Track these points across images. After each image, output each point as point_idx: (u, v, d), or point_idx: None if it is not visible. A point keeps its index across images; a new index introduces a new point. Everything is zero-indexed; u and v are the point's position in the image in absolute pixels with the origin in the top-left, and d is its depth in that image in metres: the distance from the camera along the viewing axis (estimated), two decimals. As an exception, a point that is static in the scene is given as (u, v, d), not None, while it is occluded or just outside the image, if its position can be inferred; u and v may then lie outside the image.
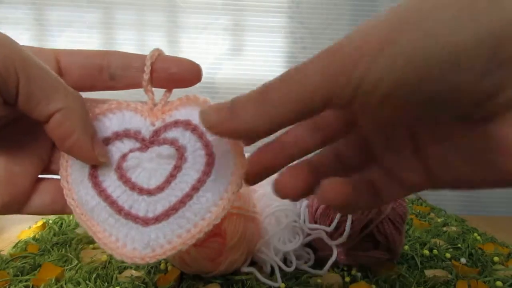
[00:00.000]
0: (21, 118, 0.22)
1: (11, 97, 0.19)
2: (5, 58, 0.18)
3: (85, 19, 1.03)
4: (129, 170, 0.23)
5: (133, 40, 1.06)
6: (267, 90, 0.18)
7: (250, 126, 0.18)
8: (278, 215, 0.45)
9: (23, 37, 1.01)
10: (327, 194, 0.20)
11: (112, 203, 0.23)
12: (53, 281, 0.41)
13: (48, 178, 0.25)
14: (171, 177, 0.23)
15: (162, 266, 0.44)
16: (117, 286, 0.40)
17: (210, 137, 0.23)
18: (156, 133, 0.24)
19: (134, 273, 0.42)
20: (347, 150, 0.23)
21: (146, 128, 0.24)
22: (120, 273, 0.43)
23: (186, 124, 0.23)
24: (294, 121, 0.18)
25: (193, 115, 0.23)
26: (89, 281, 0.41)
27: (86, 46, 1.06)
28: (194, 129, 0.23)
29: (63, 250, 0.50)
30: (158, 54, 0.24)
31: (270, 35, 1.03)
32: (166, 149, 0.23)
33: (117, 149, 0.24)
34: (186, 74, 0.24)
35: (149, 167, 0.23)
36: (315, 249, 0.47)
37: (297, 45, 1.03)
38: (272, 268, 0.43)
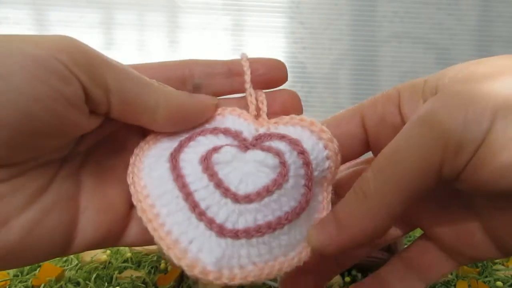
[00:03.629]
0: (110, 136, 0.20)
1: (100, 104, 0.17)
2: (88, 59, 0.17)
3: (85, 19, 1.03)
4: (218, 164, 0.19)
5: (133, 40, 1.06)
6: (363, 189, 0.17)
7: (358, 235, 0.17)
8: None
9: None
10: None
11: (188, 194, 0.18)
12: (53, 281, 0.41)
13: None
14: (267, 191, 0.18)
15: (162, 266, 0.44)
16: (117, 286, 0.40)
17: (315, 171, 0.20)
18: (260, 137, 0.21)
19: (134, 273, 0.42)
20: None
21: (249, 131, 0.22)
22: (120, 273, 0.42)
23: (294, 144, 0.20)
24: (403, 210, 0.17)
25: (302, 137, 0.20)
26: (89, 281, 0.41)
27: (86, 46, 1.06)
28: (301, 152, 0.20)
29: (63, 250, 0.50)
30: (246, 58, 0.23)
31: (270, 35, 1.03)
32: (270, 158, 0.19)
33: (209, 141, 0.21)
34: (274, 74, 0.23)
35: (243, 169, 0.19)
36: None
37: (297, 45, 1.03)
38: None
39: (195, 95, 0.21)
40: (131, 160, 0.21)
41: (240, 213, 0.18)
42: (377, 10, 1.05)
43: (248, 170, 0.19)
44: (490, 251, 0.20)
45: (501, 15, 1.05)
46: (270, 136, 0.21)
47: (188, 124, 0.21)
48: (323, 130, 0.20)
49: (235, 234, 0.18)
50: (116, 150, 0.21)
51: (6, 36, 0.16)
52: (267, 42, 1.02)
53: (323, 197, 0.21)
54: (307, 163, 0.20)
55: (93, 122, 0.18)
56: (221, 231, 0.18)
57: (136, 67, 0.21)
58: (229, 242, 0.18)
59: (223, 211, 0.18)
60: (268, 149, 0.20)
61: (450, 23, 1.06)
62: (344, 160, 0.22)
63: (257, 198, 0.18)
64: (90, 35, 1.03)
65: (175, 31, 1.06)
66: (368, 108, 0.22)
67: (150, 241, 0.19)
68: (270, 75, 0.23)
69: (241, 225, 0.18)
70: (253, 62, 0.23)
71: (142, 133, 0.22)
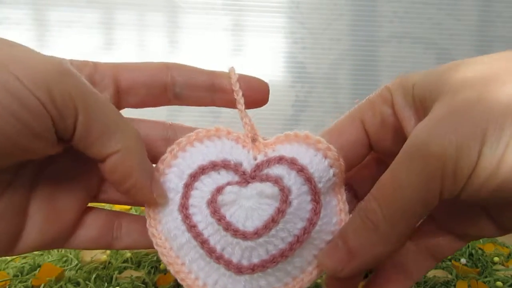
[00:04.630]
0: (66, 150, 0.20)
1: (67, 133, 0.18)
2: (65, 92, 0.17)
3: (85, 19, 1.03)
4: (224, 206, 0.20)
5: (133, 40, 1.06)
6: (371, 220, 0.18)
7: (369, 260, 0.18)
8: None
9: (23, 37, 1.01)
10: None
11: (203, 242, 0.20)
12: (53, 281, 0.41)
13: (95, 211, 0.23)
14: (272, 222, 0.19)
15: (162, 266, 0.44)
16: (117, 286, 0.40)
17: (319, 183, 0.20)
18: (258, 167, 0.21)
19: (134, 273, 0.42)
20: None
21: (248, 162, 0.22)
22: (120, 273, 0.42)
23: (292, 163, 0.20)
24: (410, 232, 0.18)
25: (302, 154, 0.21)
26: (89, 281, 0.41)
27: (86, 46, 1.06)
28: (300, 170, 0.20)
29: (63, 250, 0.49)
30: (233, 73, 0.23)
31: (270, 35, 1.03)
32: (268, 188, 0.20)
33: (213, 180, 0.21)
34: (256, 97, 0.23)
35: (246, 206, 0.20)
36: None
37: (297, 45, 1.03)
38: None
39: (155, 179, 0.21)
40: (146, 210, 0.22)
41: (252, 249, 0.19)
42: (377, 10, 1.05)
43: (251, 205, 0.20)
44: (493, 231, 0.21)
45: (501, 15, 1.05)
46: (268, 162, 0.21)
47: (127, 192, 0.20)
48: (319, 141, 0.21)
49: (252, 270, 0.19)
50: (72, 160, 0.22)
51: None
52: (267, 42, 1.02)
53: (338, 200, 0.21)
54: (308, 179, 0.20)
55: (59, 147, 0.19)
56: (238, 270, 0.19)
57: (122, 65, 0.21)
58: (247, 277, 0.19)
59: (237, 251, 0.19)
60: (267, 178, 0.20)
61: (450, 23, 1.06)
62: (351, 166, 0.23)
63: (265, 231, 0.19)
64: (90, 35, 1.03)
65: (175, 31, 1.06)
66: (367, 112, 0.22)
67: (98, 246, 0.21)
68: (252, 96, 0.23)
69: (255, 259, 0.19)
70: (237, 79, 0.23)
71: None
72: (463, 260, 0.48)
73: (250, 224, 0.19)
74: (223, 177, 0.21)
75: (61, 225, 0.21)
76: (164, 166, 0.22)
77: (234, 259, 0.19)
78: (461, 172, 0.16)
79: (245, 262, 0.19)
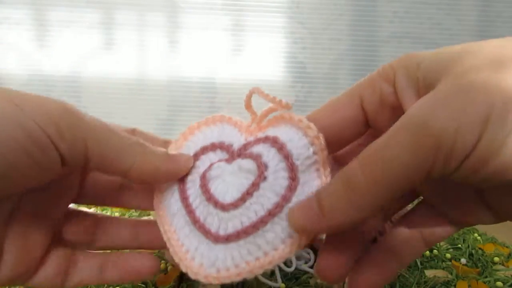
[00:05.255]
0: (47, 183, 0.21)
1: (78, 162, 0.19)
2: (72, 125, 0.19)
3: (85, 19, 1.03)
4: (211, 180, 0.22)
5: (133, 40, 1.06)
6: (350, 181, 0.17)
7: (340, 223, 0.17)
8: (278, 215, 0.45)
9: (23, 37, 1.01)
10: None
11: (190, 212, 0.22)
12: (53, 281, 0.40)
13: (53, 251, 0.23)
14: (247, 194, 0.21)
15: (162, 266, 0.44)
16: (117, 286, 0.40)
17: (297, 160, 0.21)
18: (245, 146, 0.23)
19: (134, 273, 0.42)
20: None
21: (239, 142, 0.24)
22: (120, 273, 0.42)
23: (274, 141, 0.22)
24: (391, 202, 0.17)
25: (285, 133, 0.22)
26: (89, 281, 0.41)
27: (86, 46, 1.07)
28: (280, 148, 0.21)
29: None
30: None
31: (270, 35, 1.03)
32: (247, 163, 0.22)
33: (209, 159, 0.23)
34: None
35: (228, 180, 0.22)
36: (315, 249, 0.46)
37: (297, 45, 1.03)
38: (272, 268, 0.43)
39: (172, 156, 0.23)
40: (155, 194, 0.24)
41: (228, 220, 0.21)
42: (377, 10, 1.05)
43: (231, 180, 0.22)
44: (488, 218, 0.21)
45: (501, 15, 1.05)
46: (255, 142, 0.23)
47: (161, 182, 0.23)
48: (300, 120, 0.22)
49: (226, 239, 0.20)
50: (44, 198, 0.22)
51: (4, 98, 0.17)
52: (267, 42, 1.03)
53: (321, 181, 0.21)
54: (286, 156, 0.21)
55: (64, 173, 0.20)
56: (215, 239, 0.21)
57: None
58: (222, 246, 0.21)
59: (215, 221, 0.21)
60: (249, 155, 0.22)
61: (450, 23, 1.06)
62: (346, 142, 0.22)
63: (240, 202, 0.21)
64: (90, 35, 1.04)
65: (175, 31, 1.06)
66: (367, 89, 0.21)
67: (51, 285, 0.22)
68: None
69: (230, 230, 0.21)
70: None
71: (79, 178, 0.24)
72: (463, 260, 0.48)
73: (229, 197, 0.21)
74: (217, 156, 0.23)
75: (30, 260, 0.21)
76: (177, 146, 0.25)
77: (213, 229, 0.21)
78: (456, 155, 0.15)
79: (221, 232, 0.21)
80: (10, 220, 0.21)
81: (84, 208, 0.26)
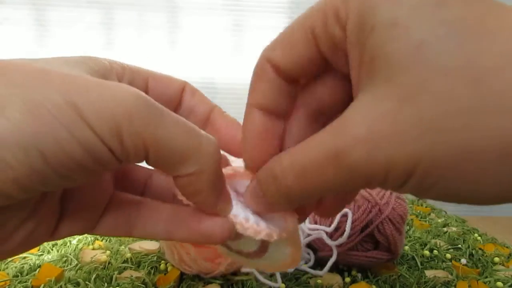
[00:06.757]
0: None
1: (134, 162, 0.19)
2: (136, 135, 0.16)
3: (85, 19, 1.03)
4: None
5: (133, 40, 1.06)
6: (280, 182, 0.18)
7: (282, 208, 0.19)
8: (278, 215, 0.45)
9: (23, 37, 1.01)
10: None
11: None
12: (52, 282, 0.40)
13: (113, 200, 0.23)
14: None
15: (162, 266, 0.44)
16: (116, 286, 0.40)
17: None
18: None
19: (134, 273, 0.42)
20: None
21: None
22: (119, 273, 0.42)
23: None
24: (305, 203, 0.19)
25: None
26: (89, 281, 0.41)
27: (86, 46, 1.07)
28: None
29: (63, 250, 0.50)
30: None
31: (270, 35, 1.03)
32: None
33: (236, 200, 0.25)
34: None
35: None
36: (315, 249, 0.46)
37: (297, 45, 1.03)
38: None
39: (221, 192, 0.22)
40: None
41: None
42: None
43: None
44: None
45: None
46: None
47: (187, 199, 0.22)
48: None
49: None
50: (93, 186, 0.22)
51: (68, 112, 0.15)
52: (267, 42, 1.02)
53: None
54: None
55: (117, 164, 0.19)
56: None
57: (152, 75, 0.22)
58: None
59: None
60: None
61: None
62: (312, 76, 0.20)
63: None
64: (90, 35, 1.03)
65: (175, 31, 1.06)
66: (320, 28, 0.17)
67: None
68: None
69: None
70: None
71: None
72: (463, 261, 0.48)
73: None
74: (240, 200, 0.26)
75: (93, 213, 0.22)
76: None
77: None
78: (388, 188, 0.15)
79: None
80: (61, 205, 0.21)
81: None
